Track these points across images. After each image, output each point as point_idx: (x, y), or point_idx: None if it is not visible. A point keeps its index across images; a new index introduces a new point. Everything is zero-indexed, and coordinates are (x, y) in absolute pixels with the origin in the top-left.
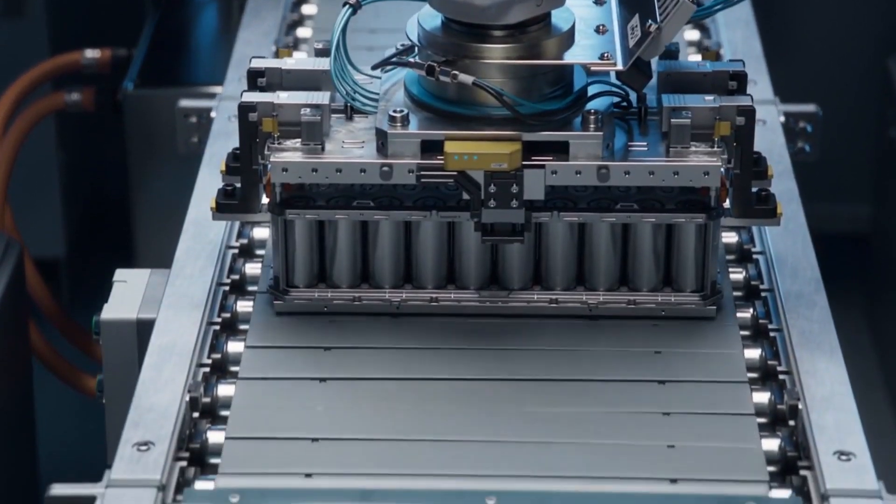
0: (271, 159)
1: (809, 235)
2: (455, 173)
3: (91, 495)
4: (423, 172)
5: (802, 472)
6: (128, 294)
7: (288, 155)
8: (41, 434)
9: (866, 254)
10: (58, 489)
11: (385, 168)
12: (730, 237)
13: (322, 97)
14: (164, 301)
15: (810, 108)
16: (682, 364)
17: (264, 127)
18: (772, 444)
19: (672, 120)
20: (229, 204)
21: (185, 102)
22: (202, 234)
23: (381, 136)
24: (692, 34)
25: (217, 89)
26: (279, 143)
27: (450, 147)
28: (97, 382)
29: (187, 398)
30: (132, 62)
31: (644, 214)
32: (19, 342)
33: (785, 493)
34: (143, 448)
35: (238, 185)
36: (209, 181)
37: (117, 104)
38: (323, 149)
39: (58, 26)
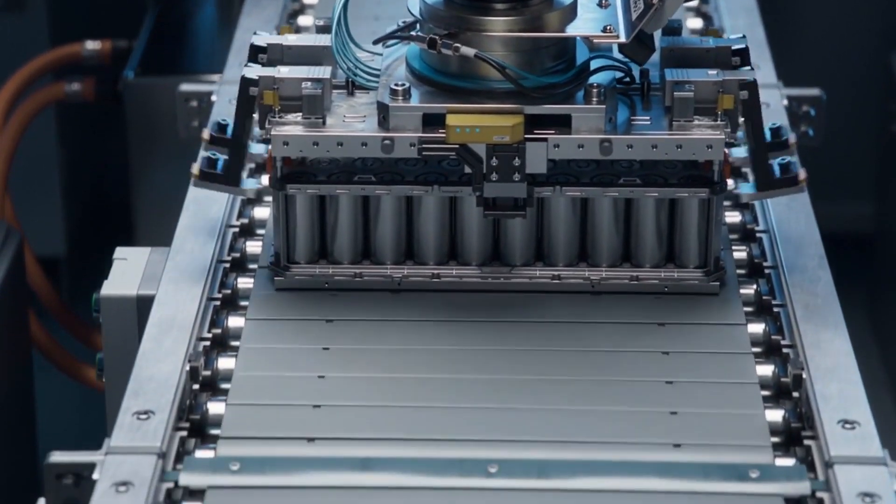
0: (272, 132)
1: (813, 213)
2: (457, 146)
3: (90, 462)
4: (424, 146)
5: (807, 442)
6: (128, 271)
7: (289, 129)
8: (41, 426)
9: (869, 252)
10: (57, 456)
11: (386, 141)
12: (733, 216)
13: (323, 72)
14: (165, 276)
15: (814, 91)
16: (685, 336)
17: (265, 100)
18: (776, 416)
19: (675, 93)
20: (212, 174)
21: (186, 87)
22: (202, 212)
23: (383, 110)
24: (695, 22)
25: (218, 77)
26: (280, 117)
27: (451, 120)
28: (97, 361)
29: (187, 368)
30: (132, 52)
31: (647, 189)
32: (19, 332)
33: (789, 461)
34: (143, 417)
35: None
36: None
37: (118, 94)
38: (324, 123)
39: (58, 19)
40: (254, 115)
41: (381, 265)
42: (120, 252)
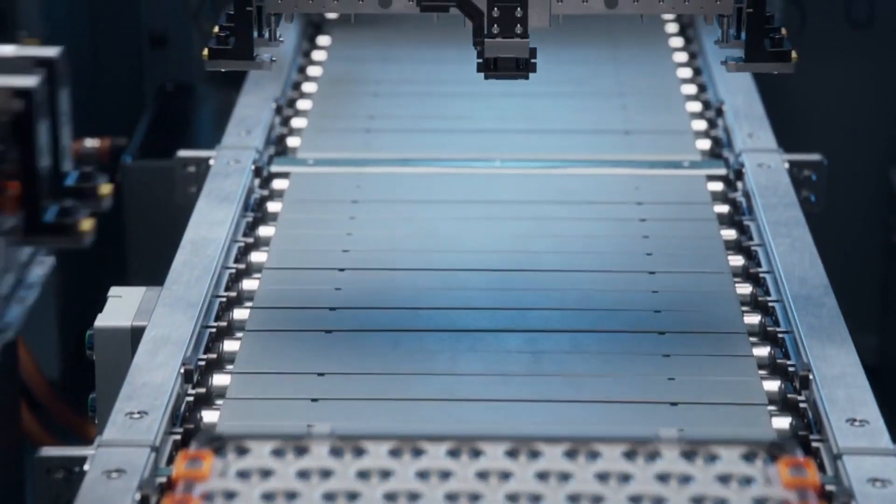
0: None
1: (817, 252)
2: None
3: (81, 456)
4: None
5: (815, 445)
6: (122, 306)
7: None
8: None
9: (874, 385)
10: (47, 451)
11: None
12: (736, 260)
13: None
14: (160, 302)
15: (814, 157)
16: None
17: None
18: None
19: None
20: (224, 50)
21: (184, 153)
22: (199, 251)
23: None
24: (694, 106)
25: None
26: None
27: None
28: (89, 401)
29: (182, 370)
30: (131, 140)
31: None
32: (11, 425)
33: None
34: (136, 416)
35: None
36: (207, 209)
37: (116, 185)
38: None
39: None
40: None
41: None
42: (115, 290)
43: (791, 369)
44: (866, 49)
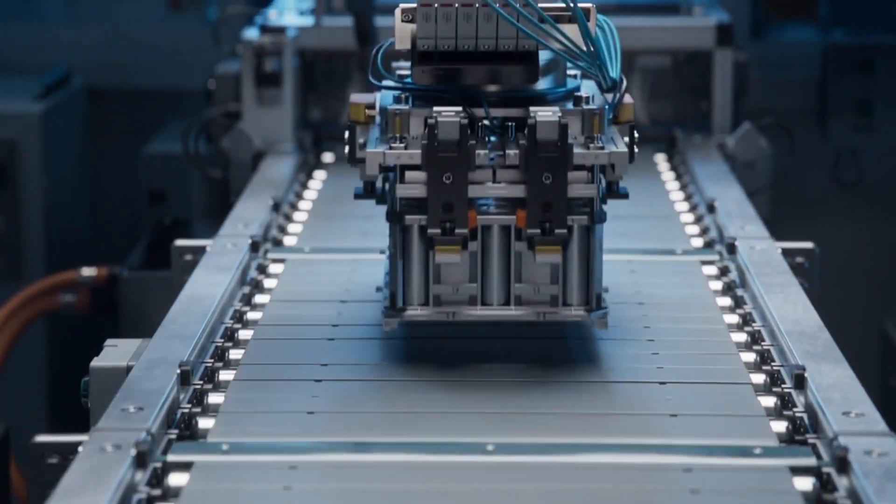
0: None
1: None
2: None
3: (76, 441)
4: None
5: (811, 441)
6: (118, 351)
7: None
8: None
9: None
10: (42, 437)
11: None
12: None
13: None
14: (156, 335)
15: (807, 245)
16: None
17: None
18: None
19: None
20: None
21: (182, 242)
22: (196, 302)
23: None
24: (688, 216)
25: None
26: None
27: None
28: (82, 385)
29: (178, 371)
30: (128, 259)
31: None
32: None
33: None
34: (132, 410)
35: None
36: (203, 277)
37: (113, 305)
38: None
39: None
40: None
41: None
42: (110, 341)
43: (785, 371)
44: (855, 206)
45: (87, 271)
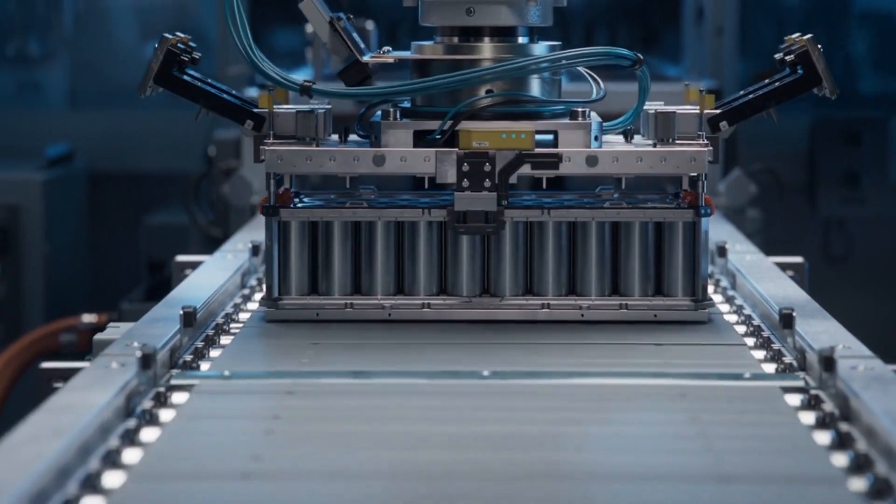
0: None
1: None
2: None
3: (81, 367)
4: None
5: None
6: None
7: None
8: None
9: None
10: (48, 364)
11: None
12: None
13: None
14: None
15: (797, 259)
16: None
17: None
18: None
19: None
20: None
21: (181, 258)
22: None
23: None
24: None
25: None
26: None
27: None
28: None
29: (181, 311)
30: (130, 293)
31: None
32: None
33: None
34: (135, 346)
35: None
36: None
37: None
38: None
39: (55, 309)
40: None
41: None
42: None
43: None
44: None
45: (88, 317)
